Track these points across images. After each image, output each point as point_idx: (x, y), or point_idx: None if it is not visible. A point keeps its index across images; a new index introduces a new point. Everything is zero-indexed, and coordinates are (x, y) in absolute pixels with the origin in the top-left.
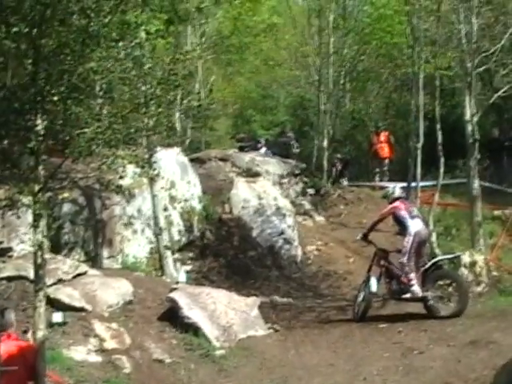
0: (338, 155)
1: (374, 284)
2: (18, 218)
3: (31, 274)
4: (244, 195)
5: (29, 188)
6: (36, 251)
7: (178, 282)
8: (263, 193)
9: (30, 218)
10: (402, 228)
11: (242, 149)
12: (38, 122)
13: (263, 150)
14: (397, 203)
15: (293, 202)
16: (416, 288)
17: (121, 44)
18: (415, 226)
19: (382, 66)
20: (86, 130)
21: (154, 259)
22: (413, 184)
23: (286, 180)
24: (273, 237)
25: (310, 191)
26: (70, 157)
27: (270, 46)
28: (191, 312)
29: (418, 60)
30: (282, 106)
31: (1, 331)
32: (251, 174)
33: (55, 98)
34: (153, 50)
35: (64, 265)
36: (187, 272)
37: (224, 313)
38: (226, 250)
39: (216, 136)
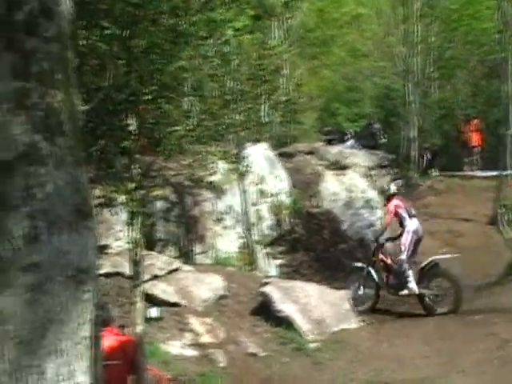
0: (427, 145)
1: (377, 276)
2: (115, 214)
3: (128, 271)
4: (333, 188)
5: (124, 187)
6: (132, 248)
7: (269, 276)
8: (352, 185)
9: (124, 215)
10: (400, 225)
11: (329, 142)
12: (131, 121)
13: (350, 142)
14: (395, 201)
15: (382, 194)
16: (413, 285)
17: (209, 42)
18: (413, 224)
19: (469, 52)
20: (177, 127)
21: (245, 254)
22: (505, 172)
23: (374, 172)
24: (362, 229)
25: (399, 182)
26: (161, 155)
27: (354, 37)
28: (283, 306)
29: (507, 45)
30: (367, 98)
31: (103, 326)
32: (339, 166)
33: (147, 98)
34: (240, 47)
35: (158, 261)
36: (278, 266)
37: (316, 306)
38: (316, 244)
39: (302, 130)
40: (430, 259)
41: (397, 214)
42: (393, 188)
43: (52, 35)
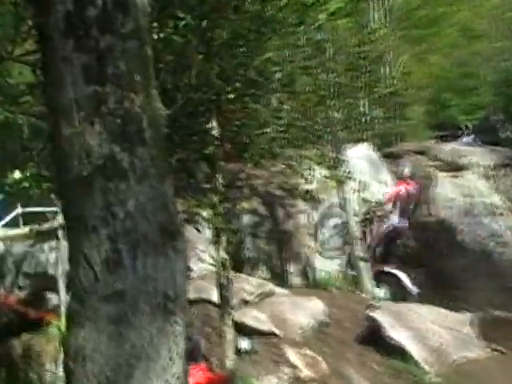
0: None
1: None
2: (198, 231)
3: (214, 297)
4: (447, 193)
5: (207, 200)
6: (219, 270)
7: (376, 298)
8: (470, 189)
9: (208, 233)
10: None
11: (441, 138)
12: (214, 124)
13: (466, 138)
14: (400, 187)
15: (506, 199)
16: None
17: (299, 29)
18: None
19: None
20: (266, 129)
21: (348, 273)
22: None
23: (496, 172)
24: (484, 239)
25: None
26: (249, 162)
27: (468, 14)
28: (395, 332)
29: None
30: (485, 85)
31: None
32: (454, 167)
33: (231, 97)
34: (335, 33)
35: (248, 284)
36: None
37: (433, 331)
38: (430, 258)
39: (410, 126)
40: None
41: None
42: (406, 171)
43: (129, 31)
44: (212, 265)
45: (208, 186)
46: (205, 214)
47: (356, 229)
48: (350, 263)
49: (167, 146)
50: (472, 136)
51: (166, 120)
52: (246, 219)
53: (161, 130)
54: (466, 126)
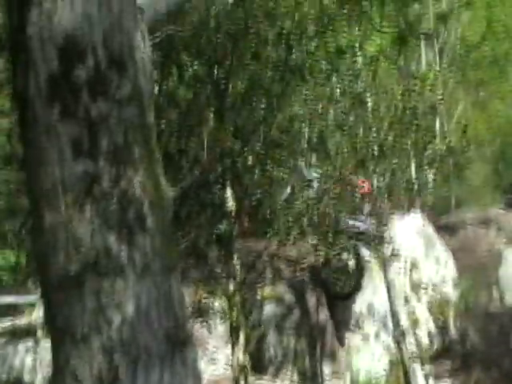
0: None
1: None
2: (210, 331)
3: None
4: None
5: (221, 288)
6: (237, 375)
7: None
8: None
9: (222, 328)
10: None
11: (510, 205)
12: (229, 195)
13: None
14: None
15: None
16: None
17: (333, 77)
18: None
19: None
20: (294, 200)
21: (397, 375)
22: None
23: None
24: None
25: None
26: (272, 239)
27: None
28: None
29: None
30: None
31: None
32: None
33: (249, 161)
34: (376, 80)
35: None
36: None
37: None
38: (500, 357)
39: (471, 189)
40: None
41: None
42: None
43: (127, 95)
44: (228, 367)
45: (222, 270)
46: (218, 304)
47: (405, 319)
48: (401, 362)
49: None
50: None
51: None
52: (270, 309)
53: (166, 215)
54: None
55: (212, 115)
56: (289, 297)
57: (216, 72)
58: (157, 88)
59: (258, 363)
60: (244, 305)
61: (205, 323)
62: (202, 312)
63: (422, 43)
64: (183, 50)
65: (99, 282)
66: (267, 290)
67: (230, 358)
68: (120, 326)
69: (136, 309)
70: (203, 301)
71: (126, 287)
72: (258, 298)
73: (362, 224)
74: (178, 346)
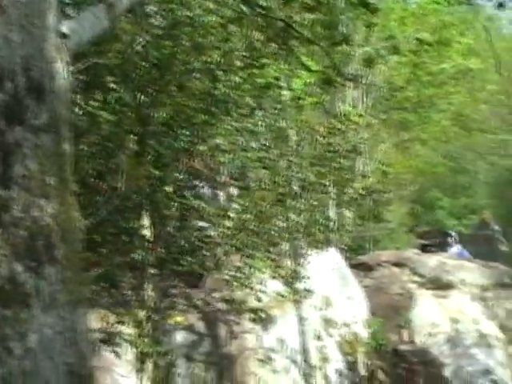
0: None
1: None
2: (117, 356)
3: None
4: (430, 316)
5: (132, 315)
6: None
7: None
8: (458, 313)
9: (129, 355)
10: None
11: (424, 248)
12: (145, 222)
13: (455, 248)
14: None
15: (503, 326)
16: None
17: (258, 112)
18: None
19: None
20: (209, 232)
21: None
22: None
23: (491, 294)
24: (475, 377)
25: None
26: (186, 270)
27: (462, 99)
28: None
29: None
30: (481, 185)
31: None
32: (440, 285)
33: (168, 189)
34: (299, 117)
35: None
36: None
37: None
38: None
39: (387, 230)
40: None
41: None
42: None
43: (43, 123)
44: None
45: (134, 297)
46: (127, 331)
47: (315, 356)
48: None
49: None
50: (459, 246)
51: (84, 232)
52: (180, 337)
53: (76, 246)
54: (456, 234)
55: (134, 141)
56: (200, 326)
57: (140, 99)
58: (80, 112)
59: None
60: (154, 332)
61: (112, 350)
62: (110, 338)
63: (348, 84)
64: (109, 76)
65: (2, 311)
66: (179, 318)
67: None
68: (21, 358)
69: (39, 340)
70: (112, 327)
71: (30, 318)
72: (170, 325)
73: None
74: (80, 381)
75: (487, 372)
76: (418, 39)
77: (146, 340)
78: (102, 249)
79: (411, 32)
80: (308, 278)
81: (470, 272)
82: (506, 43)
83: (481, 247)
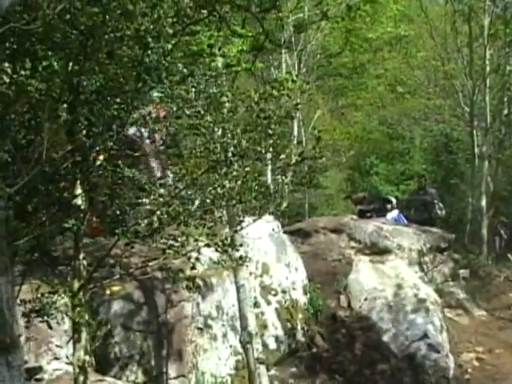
0: (503, 219)
1: None
2: (50, 328)
3: None
4: (368, 282)
5: (66, 286)
6: (76, 373)
7: None
8: (396, 277)
9: (66, 325)
10: None
11: (362, 214)
12: (78, 191)
13: (393, 214)
14: None
15: (439, 290)
16: None
17: (190, 78)
18: None
19: None
20: (143, 200)
21: (243, 377)
22: None
23: (428, 258)
24: (412, 341)
25: (464, 273)
26: (122, 238)
27: (397, 64)
28: None
29: None
30: (417, 150)
31: None
32: (377, 250)
33: (100, 158)
34: (233, 83)
35: None
36: None
37: None
38: (345, 363)
39: (324, 196)
40: None
41: None
42: None
43: None
44: (69, 364)
45: (68, 267)
46: (62, 301)
47: (253, 323)
48: (247, 366)
49: (17, 216)
50: (397, 212)
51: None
52: (118, 306)
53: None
54: (393, 200)
55: (64, 110)
56: (138, 294)
57: (70, 66)
58: (7, 80)
59: (103, 362)
60: (90, 302)
61: (45, 321)
62: (43, 309)
63: (282, 50)
64: (38, 44)
65: None
66: (115, 288)
67: (72, 354)
68: None
69: None
70: (45, 297)
71: None
72: (106, 295)
73: None
74: (3, 349)
75: (424, 336)
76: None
77: (80, 309)
78: (33, 218)
79: None
80: (244, 245)
81: (406, 237)
82: (440, 9)
83: (418, 212)
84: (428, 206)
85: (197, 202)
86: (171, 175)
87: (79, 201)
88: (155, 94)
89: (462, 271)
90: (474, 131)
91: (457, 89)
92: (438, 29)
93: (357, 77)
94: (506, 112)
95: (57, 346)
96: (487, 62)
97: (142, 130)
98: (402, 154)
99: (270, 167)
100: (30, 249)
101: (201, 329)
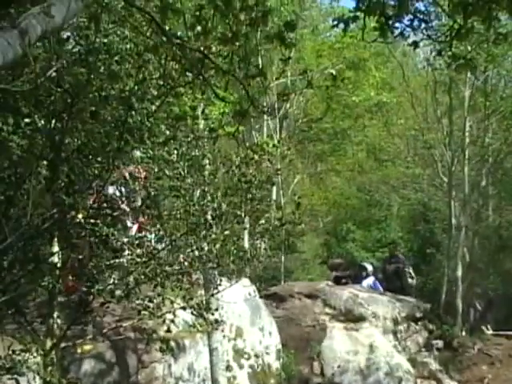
0: (478, 290)
1: None
2: None
3: None
4: (342, 348)
5: (39, 344)
6: None
7: None
8: (370, 346)
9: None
10: None
11: (337, 280)
12: (55, 249)
13: (369, 281)
14: None
15: (412, 360)
16: None
17: (172, 141)
18: None
19: None
20: (120, 260)
21: None
22: None
23: (402, 327)
24: None
25: (438, 343)
26: (97, 298)
27: (377, 132)
28: None
29: None
30: (394, 218)
31: None
32: (352, 317)
33: (80, 216)
34: (214, 146)
35: None
36: None
37: None
38: None
39: (300, 260)
40: None
41: None
42: None
43: None
44: None
45: (42, 326)
46: (32, 360)
47: None
48: None
49: None
50: (373, 279)
51: None
52: (89, 365)
53: None
54: (371, 266)
55: (45, 167)
56: (110, 354)
57: (53, 125)
58: None
59: None
60: (61, 361)
61: (14, 379)
62: (14, 367)
63: (264, 116)
64: (22, 101)
65: None
66: (87, 347)
67: None
68: None
69: None
70: (16, 355)
71: None
72: (77, 354)
73: None
74: None
75: None
76: (331, 74)
77: (51, 369)
78: (9, 275)
79: (327, 65)
80: (220, 308)
81: (381, 305)
82: (421, 79)
83: (390, 281)
84: (400, 274)
85: (175, 265)
86: (150, 236)
87: (55, 259)
88: (137, 155)
89: (435, 341)
90: (452, 202)
91: (436, 159)
92: (418, 98)
93: (337, 142)
94: (483, 184)
95: None
96: (467, 134)
97: (122, 189)
98: (379, 221)
99: (247, 231)
100: (3, 304)
101: None
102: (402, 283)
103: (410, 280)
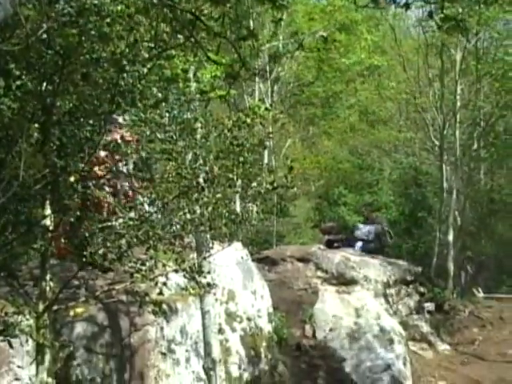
0: (469, 254)
1: None
2: (11, 347)
3: None
4: (333, 312)
5: (31, 307)
6: None
7: None
8: (361, 309)
9: (28, 346)
10: None
11: (329, 243)
12: (47, 212)
13: (361, 244)
14: None
15: (404, 323)
16: None
17: (164, 103)
18: None
19: None
20: (112, 223)
21: None
22: None
23: (393, 290)
24: (375, 373)
25: (429, 306)
26: (89, 261)
27: (369, 95)
28: None
29: None
30: (385, 182)
31: None
32: (344, 281)
33: (71, 179)
34: (206, 109)
35: None
36: None
37: None
38: None
39: (292, 224)
40: None
41: None
42: None
43: None
44: None
45: (34, 288)
46: (25, 323)
47: (217, 349)
48: None
49: None
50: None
51: None
52: (81, 328)
53: None
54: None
55: (36, 130)
56: (102, 317)
57: (44, 87)
58: None
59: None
60: (53, 323)
61: (7, 341)
62: (7, 329)
63: (257, 78)
64: (12, 62)
65: None
66: (79, 309)
67: (33, 379)
68: None
69: None
70: (8, 317)
71: None
72: (70, 317)
73: None
74: None
75: (387, 367)
76: (322, 36)
77: (44, 331)
78: (1, 237)
79: (319, 28)
80: (212, 271)
81: (373, 269)
82: (413, 42)
83: (371, 241)
84: (380, 236)
85: (167, 228)
86: (142, 199)
87: (48, 221)
88: (128, 118)
89: (427, 304)
90: (443, 165)
91: (427, 122)
92: (410, 61)
93: (329, 106)
94: (475, 147)
95: (18, 366)
96: (458, 97)
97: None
98: (370, 185)
99: (239, 194)
100: None
101: (164, 354)
102: (381, 243)
103: (389, 240)
